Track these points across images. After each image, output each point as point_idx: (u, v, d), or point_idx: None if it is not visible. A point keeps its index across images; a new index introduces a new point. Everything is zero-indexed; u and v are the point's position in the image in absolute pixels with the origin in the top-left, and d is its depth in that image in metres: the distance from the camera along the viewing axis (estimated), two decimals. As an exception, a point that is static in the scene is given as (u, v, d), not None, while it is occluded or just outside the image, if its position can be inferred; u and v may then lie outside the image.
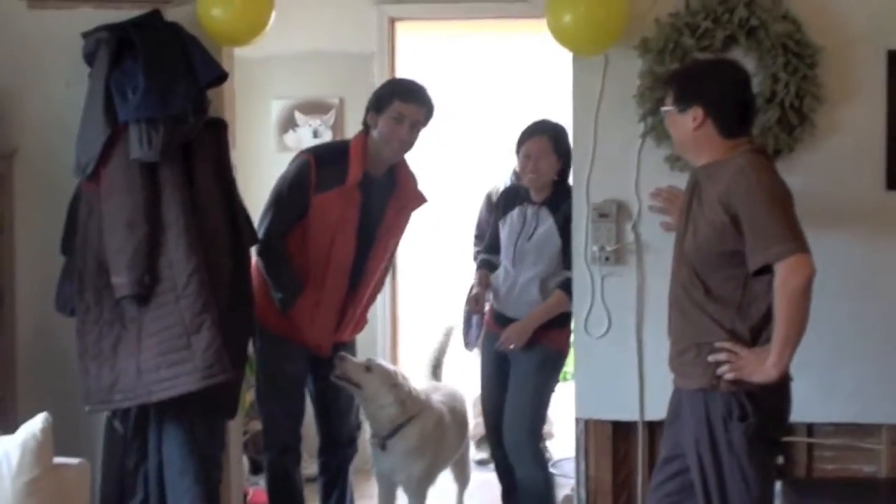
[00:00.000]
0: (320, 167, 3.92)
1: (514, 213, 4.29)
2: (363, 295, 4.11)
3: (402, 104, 3.92)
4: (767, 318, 3.02)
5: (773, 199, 2.97)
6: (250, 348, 4.05)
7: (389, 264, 4.32)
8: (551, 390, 4.34)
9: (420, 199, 4.17)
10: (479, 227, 5.29)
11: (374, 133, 3.96)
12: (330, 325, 4.06)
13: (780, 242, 2.92)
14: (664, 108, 3.21)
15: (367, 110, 4.01)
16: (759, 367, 2.99)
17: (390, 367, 4.29)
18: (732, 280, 3.03)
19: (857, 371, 3.79)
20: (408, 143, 3.99)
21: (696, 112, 3.06)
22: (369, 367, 4.13)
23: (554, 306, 4.17)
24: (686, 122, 3.09)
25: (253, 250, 3.95)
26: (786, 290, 2.93)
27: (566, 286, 4.07)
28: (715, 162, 3.08)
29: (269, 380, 4.14)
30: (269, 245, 3.96)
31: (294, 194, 3.93)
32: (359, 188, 3.94)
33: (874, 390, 3.80)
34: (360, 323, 4.27)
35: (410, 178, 4.14)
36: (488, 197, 5.31)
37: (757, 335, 3.04)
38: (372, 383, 4.11)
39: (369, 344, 5.10)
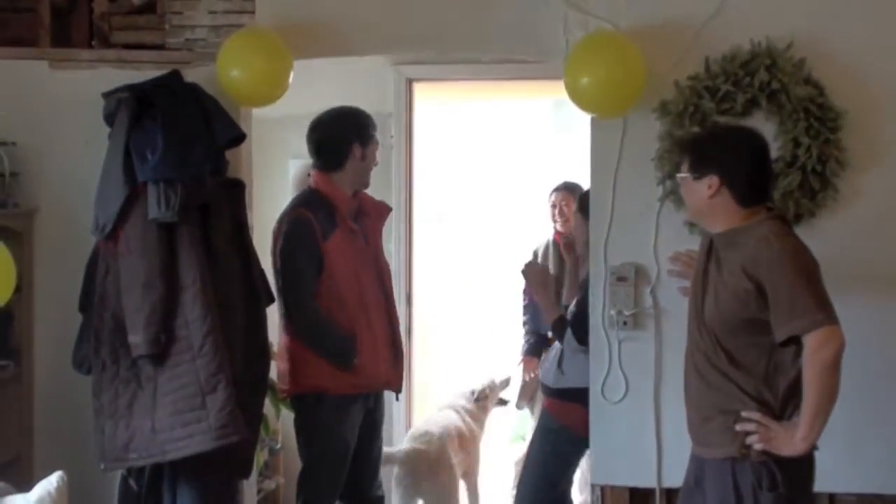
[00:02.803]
0: (316, 215, 3.93)
1: None
2: (396, 318, 4.17)
3: (375, 130, 4.10)
4: (795, 387, 2.97)
5: (799, 269, 2.92)
6: (266, 407, 4.02)
7: None
8: (556, 462, 4.21)
9: (386, 209, 4.28)
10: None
11: (356, 164, 4.01)
12: (390, 359, 4.08)
13: (808, 314, 2.88)
14: (679, 175, 3.17)
15: (349, 143, 3.99)
16: (789, 441, 2.93)
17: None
18: (756, 347, 2.99)
19: (882, 440, 3.73)
20: None
21: (712, 180, 3.02)
22: None
23: (552, 307, 4.14)
24: (701, 190, 3.05)
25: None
26: (816, 362, 2.88)
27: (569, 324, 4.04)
28: (733, 229, 3.04)
29: (332, 453, 4.02)
30: (306, 315, 3.90)
31: (308, 249, 3.88)
32: (350, 219, 4.00)
33: (899, 460, 3.73)
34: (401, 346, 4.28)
35: (366, 194, 4.21)
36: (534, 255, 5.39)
37: (785, 404, 2.99)
38: None
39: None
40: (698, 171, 3.05)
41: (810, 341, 2.88)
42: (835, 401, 2.91)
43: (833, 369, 2.88)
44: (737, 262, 2.99)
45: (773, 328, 2.93)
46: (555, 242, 5.48)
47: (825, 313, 2.88)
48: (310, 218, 3.90)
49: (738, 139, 3.14)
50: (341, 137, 4.02)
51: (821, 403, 2.89)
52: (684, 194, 3.18)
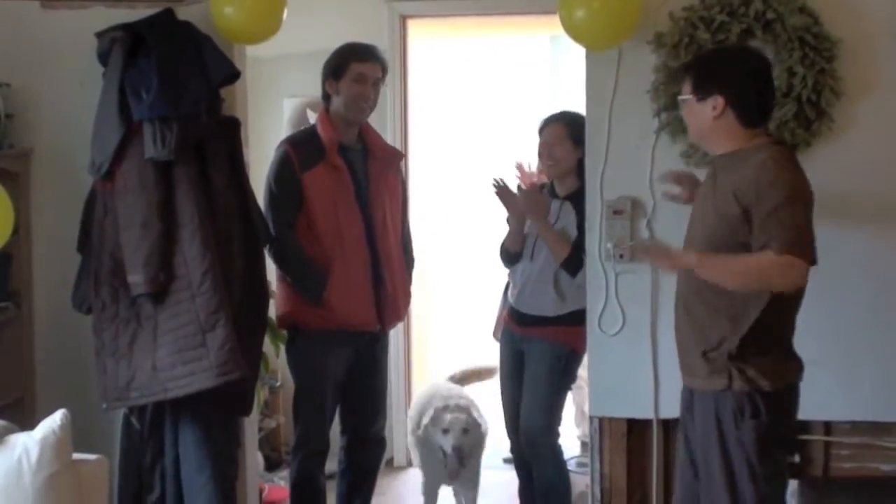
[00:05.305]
0: (297, 148, 4.02)
1: None
2: (391, 265, 4.13)
3: (361, 64, 4.05)
4: (763, 322, 2.98)
5: (788, 197, 2.89)
6: (266, 345, 4.06)
7: (408, 236, 4.35)
8: (565, 388, 4.31)
9: (396, 155, 4.31)
10: None
11: (336, 100, 4.06)
12: (367, 299, 4.06)
13: (782, 234, 2.84)
14: (681, 97, 3.15)
15: (325, 79, 4.09)
16: (679, 252, 3.04)
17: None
18: None
19: (877, 368, 3.74)
20: (373, 102, 4.11)
21: (717, 101, 3.00)
22: None
23: (559, 240, 4.12)
24: (705, 111, 3.03)
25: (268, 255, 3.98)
26: (761, 268, 2.87)
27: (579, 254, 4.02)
28: (735, 152, 3.03)
29: (308, 384, 4.13)
30: (280, 242, 3.99)
31: (284, 180, 3.99)
32: (339, 155, 4.02)
33: (894, 387, 3.75)
34: (407, 296, 4.30)
35: (379, 138, 4.26)
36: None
37: (758, 334, 2.99)
38: None
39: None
40: (702, 91, 3.03)
41: (771, 258, 2.84)
42: (727, 283, 2.94)
43: (761, 284, 2.89)
44: (729, 185, 2.98)
45: (752, 247, 2.91)
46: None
47: (801, 245, 2.84)
48: (289, 152, 4.00)
49: (742, 59, 3.14)
50: (322, 74, 4.11)
51: (724, 271, 2.94)
52: (686, 116, 3.15)
